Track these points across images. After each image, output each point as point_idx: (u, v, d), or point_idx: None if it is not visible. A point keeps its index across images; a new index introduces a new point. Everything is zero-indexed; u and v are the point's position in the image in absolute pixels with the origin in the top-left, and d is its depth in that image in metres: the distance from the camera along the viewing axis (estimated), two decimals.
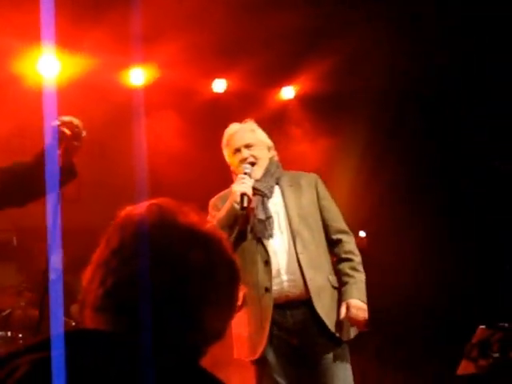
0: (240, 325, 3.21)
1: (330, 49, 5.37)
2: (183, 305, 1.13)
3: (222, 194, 3.45)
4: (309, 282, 3.17)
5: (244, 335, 3.23)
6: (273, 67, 5.70)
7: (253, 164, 3.36)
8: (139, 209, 1.22)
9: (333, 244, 3.36)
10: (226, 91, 5.92)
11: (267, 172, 3.40)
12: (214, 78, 5.91)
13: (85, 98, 5.04)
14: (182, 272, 1.14)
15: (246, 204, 3.19)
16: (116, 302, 1.15)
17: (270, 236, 3.25)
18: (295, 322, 3.18)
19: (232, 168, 3.47)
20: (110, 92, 5.43)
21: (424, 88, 5.75)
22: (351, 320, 3.18)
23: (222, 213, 3.26)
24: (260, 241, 3.25)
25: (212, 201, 3.45)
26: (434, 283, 5.63)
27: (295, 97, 6.19)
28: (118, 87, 5.54)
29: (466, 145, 5.82)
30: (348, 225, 3.42)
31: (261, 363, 3.18)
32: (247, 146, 3.40)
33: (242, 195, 3.20)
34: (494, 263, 5.62)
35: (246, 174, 3.30)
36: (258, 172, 3.38)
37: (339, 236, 3.35)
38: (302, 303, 3.19)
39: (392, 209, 5.67)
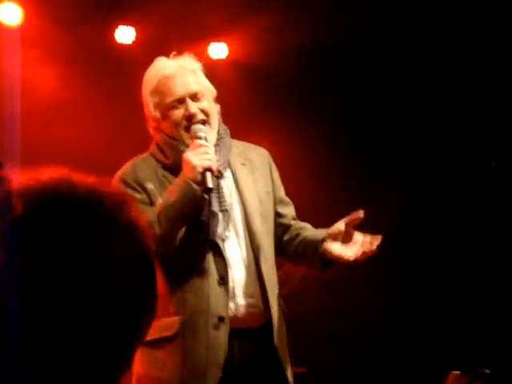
0: (166, 365, 2.84)
1: None
2: (81, 318, 1.09)
3: (131, 165, 2.96)
4: (272, 309, 2.96)
5: (169, 380, 2.84)
6: (198, 14, 5.49)
7: (204, 123, 2.94)
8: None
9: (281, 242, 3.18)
10: (134, 42, 5.72)
11: (220, 139, 3.02)
12: (118, 25, 5.69)
13: None
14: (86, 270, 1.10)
15: (210, 184, 2.82)
16: None
17: (225, 239, 2.95)
18: (241, 354, 2.93)
19: (158, 128, 2.99)
20: None
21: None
22: (365, 243, 2.88)
23: (174, 196, 2.80)
24: (214, 246, 2.91)
25: (121, 176, 2.92)
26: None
27: (228, 57, 5.93)
28: None
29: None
30: None
31: None
32: (194, 97, 2.95)
33: (205, 171, 2.81)
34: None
35: (201, 138, 2.88)
36: (212, 136, 2.98)
37: (291, 231, 3.17)
38: (255, 332, 2.97)
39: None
